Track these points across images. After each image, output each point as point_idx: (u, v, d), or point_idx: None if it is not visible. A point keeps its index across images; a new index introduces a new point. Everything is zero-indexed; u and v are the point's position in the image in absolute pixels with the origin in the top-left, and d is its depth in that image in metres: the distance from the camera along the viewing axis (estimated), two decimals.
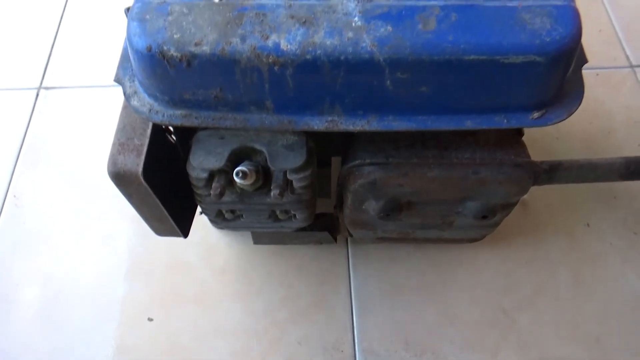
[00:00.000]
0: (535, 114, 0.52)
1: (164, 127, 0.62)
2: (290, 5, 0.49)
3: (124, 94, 0.55)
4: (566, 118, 0.52)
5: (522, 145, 0.64)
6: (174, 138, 0.66)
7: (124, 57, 0.57)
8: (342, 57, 0.47)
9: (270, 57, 0.47)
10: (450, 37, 0.46)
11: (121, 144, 0.58)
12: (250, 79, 0.49)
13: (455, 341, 0.82)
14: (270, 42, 0.47)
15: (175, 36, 0.47)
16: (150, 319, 0.84)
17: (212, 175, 0.61)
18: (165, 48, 0.47)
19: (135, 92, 0.55)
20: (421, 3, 0.47)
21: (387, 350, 0.81)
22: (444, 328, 0.83)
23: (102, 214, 0.94)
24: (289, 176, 0.60)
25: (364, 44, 0.46)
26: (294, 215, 0.69)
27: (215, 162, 0.60)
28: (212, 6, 0.49)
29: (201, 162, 0.60)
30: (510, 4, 0.47)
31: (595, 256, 0.89)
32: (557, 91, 0.52)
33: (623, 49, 1.12)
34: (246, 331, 0.83)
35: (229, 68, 0.48)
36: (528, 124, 0.52)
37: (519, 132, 0.66)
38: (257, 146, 0.61)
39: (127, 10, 0.52)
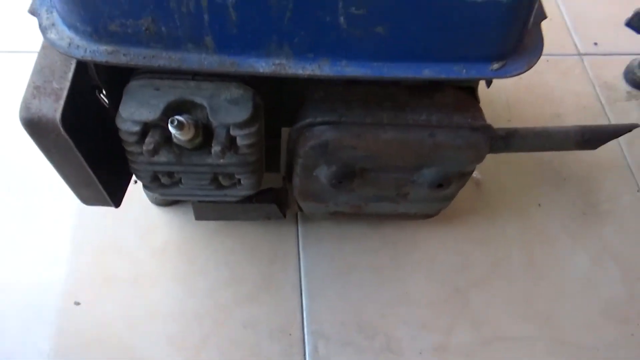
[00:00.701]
0: (495, 65, 0.49)
1: (93, 82, 0.55)
2: None
3: (40, 26, 0.48)
4: (526, 70, 0.50)
5: (479, 110, 0.62)
6: (106, 100, 0.59)
7: None
8: None
9: None
10: None
11: (36, 87, 0.50)
12: (186, 7, 0.43)
13: (409, 322, 0.78)
14: None
15: None
16: (77, 303, 0.75)
17: (145, 130, 0.54)
18: None
19: (53, 25, 0.48)
20: None
21: (339, 332, 0.76)
22: (398, 308, 0.79)
23: (23, 188, 0.85)
24: (233, 132, 0.55)
25: None
26: (239, 181, 0.64)
27: (149, 114, 0.53)
28: None
29: (132, 114, 0.53)
30: None
31: (548, 236, 0.88)
32: (517, 42, 0.50)
33: (572, 37, 1.14)
34: (185, 314, 0.76)
35: None
36: (487, 75, 0.49)
37: (476, 99, 0.64)
38: (198, 100, 0.55)
39: None
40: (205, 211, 0.76)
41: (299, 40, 0.46)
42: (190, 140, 0.54)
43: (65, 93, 0.50)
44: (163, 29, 0.45)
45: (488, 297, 0.81)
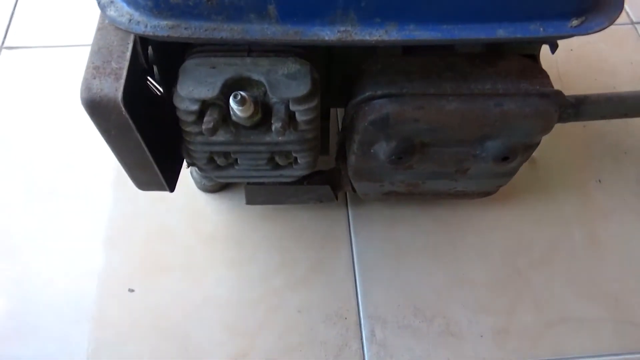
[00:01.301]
0: (575, 21, 0.46)
1: (145, 66, 0.54)
2: None
3: (99, 3, 0.47)
4: (608, 26, 0.47)
5: (547, 77, 0.58)
6: (156, 85, 0.58)
7: None
8: None
9: None
10: None
11: (96, 68, 0.49)
12: None
13: (467, 304, 0.75)
14: None
15: None
16: (131, 290, 0.75)
17: (203, 109, 0.53)
18: None
19: (112, 2, 0.46)
20: None
21: (395, 316, 0.74)
22: (455, 291, 0.77)
23: (77, 177, 0.85)
24: (292, 107, 0.53)
25: None
26: (295, 160, 0.62)
27: (207, 92, 0.52)
28: None
29: (191, 92, 0.52)
30: None
31: (609, 213, 0.84)
32: (593, 2, 0.46)
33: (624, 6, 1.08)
34: (239, 301, 0.75)
35: None
36: (567, 33, 0.46)
37: (538, 65, 0.61)
38: (255, 76, 0.53)
39: None
40: (256, 195, 0.75)
41: (365, 4, 0.44)
42: (250, 117, 0.53)
43: (124, 73, 0.49)
44: None
45: (550, 278, 0.78)
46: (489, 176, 0.69)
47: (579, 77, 0.98)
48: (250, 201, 0.76)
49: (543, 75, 0.58)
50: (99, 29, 0.52)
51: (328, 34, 0.45)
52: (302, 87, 0.53)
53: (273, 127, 0.53)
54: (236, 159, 0.61)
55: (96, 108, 0.49)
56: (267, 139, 0.56)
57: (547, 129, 0.59)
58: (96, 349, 0.71)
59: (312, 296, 0.76)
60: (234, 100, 0.49)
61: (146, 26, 0.45)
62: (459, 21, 0.45)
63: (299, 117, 0.54)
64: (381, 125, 0.57)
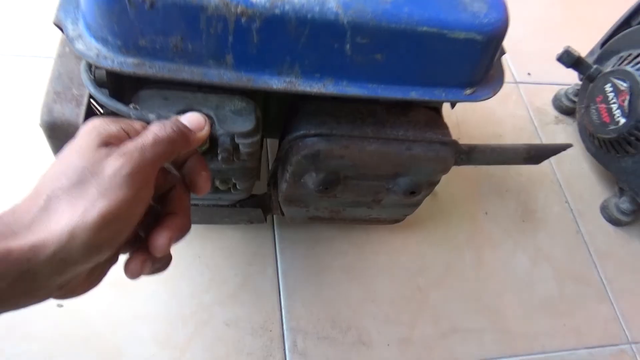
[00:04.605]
0: (468, 91, 0.59)
1: (91, 97, 0.58)
2: None
3: (67, 36, 0.51)
4: (492, 96, 0.60)
5: (447, 127, 0.72)
6: (100, 111, 0.62)
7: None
8: (309, 16, 0.49)
9: (240, 7, 0.48)
10: (406, 9, 0.51)
11: (57, 93, 0.53)
12: (214, 29, 0.49)
13: (377, 316, 0.86)
14: None
15: None
16: (59, 305, 0.76)
17: None
18: None
19: (80, 36, 0.51)
20: None
21: (315, 327, 0.83)
22: (367, 305, 0.87)
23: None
24: (237, 140, 0.60)
25: (330, 5, 0.49)
26: (234, 186, 0.69)
27: None
28: None
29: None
30: None
31: (494, 240, 1.00)
32: (485, 73, 0.60)
33: (509, 67, 1.29)
34: (170, 315, 0.79)
35: (195, 15, 0.48)
36: (462, 99, 0.59)
37: (441, 118, 0.74)
38: (205, 110, 0.60)
39: None
40: (192, 215, 0.80)
41: (308, 62, 0.53)
42: (200, 146, 0.59)
43: (85, 100, 0.53)
44: (190, 46, 0.50)
45: (444, 294, 0.91)
46: (398, 207, 0.81)
47: (473, 125, 1.16)
48: None
49: (444, 126, 0.72)
50: (59, 56, 0.56)
51: (276, 83, 0.54)
52: (247, 123, 0.60)
53: (219, 157, 0.60)
54: None
55: (56, 131, 0.52)
56: (212, 166, 0.63)
57: (445, 170, 0.72)
58: None
59: (240, 311, 0.82)
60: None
61: (113, 62, 0.51)
62: (382, 82, 0.56)
63: (242, 149, 0.61)
64: (312, 160, 0.66)
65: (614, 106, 0.97)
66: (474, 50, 0.54)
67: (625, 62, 0.97)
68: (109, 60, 0.51)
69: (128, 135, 0.43)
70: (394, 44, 0.53)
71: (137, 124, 0.46)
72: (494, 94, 0.60)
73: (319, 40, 0.51)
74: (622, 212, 1.05)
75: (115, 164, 0.39)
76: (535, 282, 0.97)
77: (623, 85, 0.95)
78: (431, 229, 0.98)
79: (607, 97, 0.99)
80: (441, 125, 0.71)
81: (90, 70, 0.53)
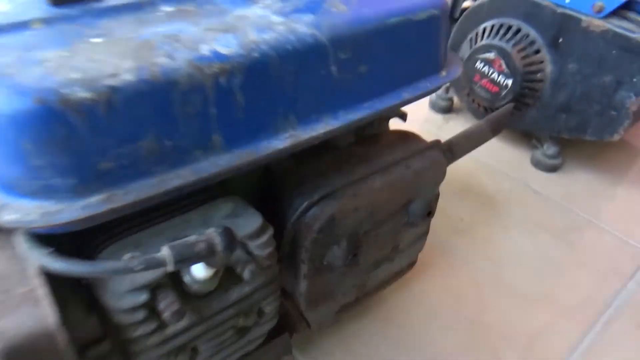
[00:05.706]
0: (443, 72, 0.56)
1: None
2: (197, 23, 0.41)
3: None
4: (460, 74, 0.58)
5: (417, 135, 0.67)
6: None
7: None
8: (289, 47, 0.41)
9: (214, 65, 0.37)
10: (366, 10, 0.47)
11: None
12: (192, 106, 0.37)
13: None
14: (205, 51, 0.37)
15: (74, 75, 0.33)
16: None
17: (152, 295, 0.41)
18: (67, 91, 0.32)
19: (5, 204, 0.34)
20: None
21: None
22: None
23: None
24: (249, 244, 0.46)
25: (302, 30, 0.42)
26: (260, 313, 0.52)
27: (152, 272, 0.41)
28: (100, 44, 0.37)
29: (132, 281, 0.40)
30: None
31: (483, 233, 0.97)
32: (446, 57, 0.58)
33: None
34: None
35: (165, 96, 0.36)
36: (442, 81, 0.56)
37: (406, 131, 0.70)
38: (191, 232, 0.45)
39: None
40: None
41: (302, 105, 0.44)
42: (214, 275, 0.43)
43: (42, 290, 0.35)
44: (167, 143, 0.37)
45: None
46: (413, 243, 0.71)
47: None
48: None
49: (413, 135, 0.67)
50: None
51: (278, 143, 0.43)
52: (251, 221, 0.47)
53: (246, 274, 0.45)
54: (197, 346, 0.48)
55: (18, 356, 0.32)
56: (234, 296, 0.47)
57: (443, 174, 0.66)
58: None
59: None
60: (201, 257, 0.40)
61: (72, 211, 0.34)
62: (374, 96, 0.50)
63: (259, 252, 0.47)
64: (329, 229, 0.55)
65: (495, 75, 1.06)
66: (436, 26, 0.52)
67: (478, 39, 1.08)
68: (66, 213, 0.34)
69: None
70: (372, 48, 0.47)
71: None
72: (462, 70, 0.58)
73: (306, 72, 0.43)
74: (551, 157, 1.12)
75: None
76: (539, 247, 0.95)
77: (491, 55, 1.05)
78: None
79: (483, 72, 1.08)
80: (411, 136, 0.67)
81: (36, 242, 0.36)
